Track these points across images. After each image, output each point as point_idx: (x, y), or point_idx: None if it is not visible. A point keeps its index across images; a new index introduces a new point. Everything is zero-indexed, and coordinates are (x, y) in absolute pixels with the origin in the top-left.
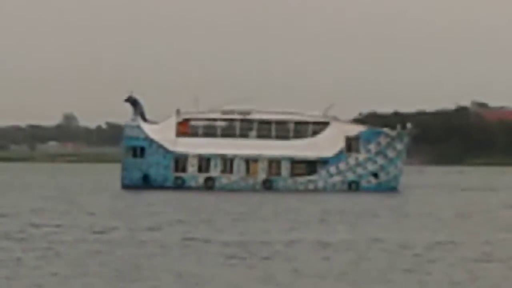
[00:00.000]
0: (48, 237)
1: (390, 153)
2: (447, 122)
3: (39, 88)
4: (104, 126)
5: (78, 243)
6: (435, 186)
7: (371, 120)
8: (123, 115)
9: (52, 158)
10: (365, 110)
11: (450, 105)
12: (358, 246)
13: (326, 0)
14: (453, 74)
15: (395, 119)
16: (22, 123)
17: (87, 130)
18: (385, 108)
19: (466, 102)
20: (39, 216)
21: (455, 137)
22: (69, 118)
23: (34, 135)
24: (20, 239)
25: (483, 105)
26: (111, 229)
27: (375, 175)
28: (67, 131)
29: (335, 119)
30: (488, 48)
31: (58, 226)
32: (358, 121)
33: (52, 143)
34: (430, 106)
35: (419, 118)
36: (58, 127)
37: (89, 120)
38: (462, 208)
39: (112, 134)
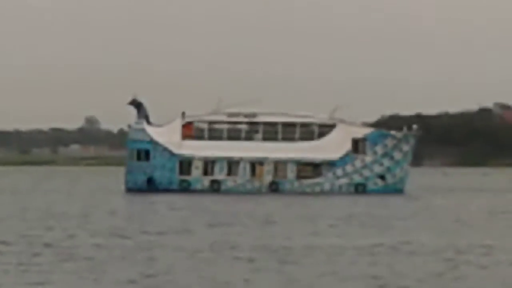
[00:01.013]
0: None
1: (397, 155)
2: (470, 124)
3: (61, 92)
4: (126, 129)
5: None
6: (460, 188)
7: (393, 122)
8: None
9: (74, 161)
10: (387, 112)
11: (473, 107)
12: (396, 250)
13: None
14: (476, 75)
15: (417, 121)
16: (45, 126)
17: (109, 133)
18: (408, 110)
19: (489, 104)
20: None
21: (478, 138)
22: (91, 121)
23: (57, 139)
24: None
25: (506, 107)
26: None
27: (382, 177)
28: (89, 134)
29: (342, 121)
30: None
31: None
32: (381, 123)
33: (75, 146)
34: (453, 108)
35: (442, 119)
36: (80, 130)
37: (111, 123)
38: (490, 210)
39: None
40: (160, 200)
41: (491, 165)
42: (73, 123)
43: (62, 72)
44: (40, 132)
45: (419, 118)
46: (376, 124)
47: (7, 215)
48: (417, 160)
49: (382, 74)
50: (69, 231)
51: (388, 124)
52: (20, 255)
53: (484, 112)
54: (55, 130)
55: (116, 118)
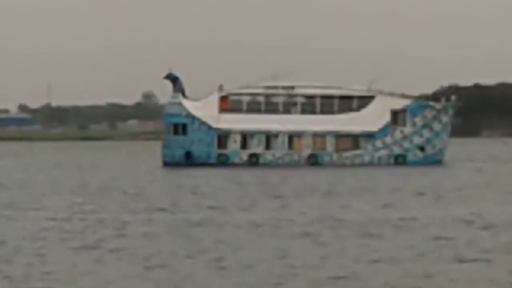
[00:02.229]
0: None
1: (436, 126)
2: None
3: (118, 67)
4: None
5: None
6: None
7: (452, 93)
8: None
9: (132, 136)
10: (446, 83)
11: None
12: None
13: None
14: None
15: (476, 92)
16: (102, 102)
17: None
18: (466, 81)
19: None
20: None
21: None
22: (148, 96)
23: (114, 114)
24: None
25: None
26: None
27: (421, 148)
28: (146, 109)
29: (380, 92)
30: None
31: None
32: (440, 94)
33: (132, 122)
34: (511, 77)
35: (500, 89)
36: (138, 105)
37: (168, 97)
38: None
39: None
40: (209, 174)
41: None
42: (130, 99)
43: (117, 48)
44: (98, 107)
45: (477, 88)
46: (434, 95)
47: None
48: (476, 130)
49: (439, 47)
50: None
51: (447, 94)
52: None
53: None
54: (112, 105)
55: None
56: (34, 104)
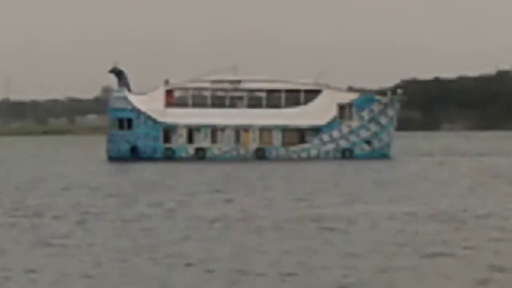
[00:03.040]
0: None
1: (383, 120)
2: (488, 87)
3: (77, 62)
4: None
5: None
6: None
7: (412, 86)
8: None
9: (92, 130)
10: (406, 76)
11: (491, 70)
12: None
13: None
14: (494, 38)
15: (436, 85)
16: (61, 96)
17: None
18: (426, 75)
19: (506, 67)
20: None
21: (497, 102)
22: (107, 90)
23: (73, 108)
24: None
25: None
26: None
27: (368, 142)
28: (106, 103)
29: (327, 86)
30: None
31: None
32: (400, 87)
33: (91, 116)
34: (471, 71)
35: (461, 83)
36: (97, 99)
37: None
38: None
39: None
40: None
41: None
42: (89, 93)
43: (77, 42)
44: (56, 102)
45: (437, 82)
46: (394, 89)
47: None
48: (436, 124)
49: (400, 39)
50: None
51: (407, 88)
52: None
53: (502, 75)
54: (71, 100)
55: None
56: None
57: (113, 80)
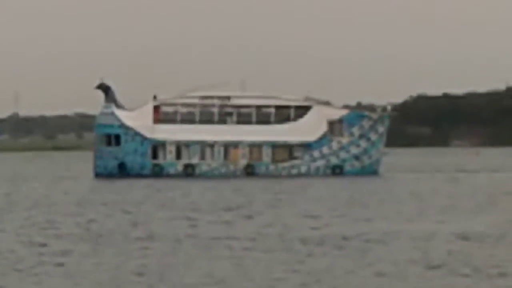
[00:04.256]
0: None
1: (373, 136)
2: (498, 103)
3: (85, 77)
4: None
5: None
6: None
7: (422, 102)
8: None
9: None
10: (415, 92)
11: (501, 86)
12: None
13: None
14: (503, 53)
15: (445, 101)
16: (70, 112)
17: None
18: (435, 90)
19: None
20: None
21: (507, 117)
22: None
23: (82, 124)
24: None
25: None
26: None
27: (358, 158)
28: None
29: (317, 102)
30: None
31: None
32: (408, 103)
33: None
34: (481, 87)
35: (470, 99)
36: None
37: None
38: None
39: None
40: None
41: None
42: (97, 108)
43: (83, 58)
44: (65, 117)
45: (446, 98)
46: (403, 105)
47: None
48: (445, 140)
49: (408, 55)
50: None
51: (416, 104)
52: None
53: None
54: (80, 115)
55: (139, 102)
56: (1, 114)
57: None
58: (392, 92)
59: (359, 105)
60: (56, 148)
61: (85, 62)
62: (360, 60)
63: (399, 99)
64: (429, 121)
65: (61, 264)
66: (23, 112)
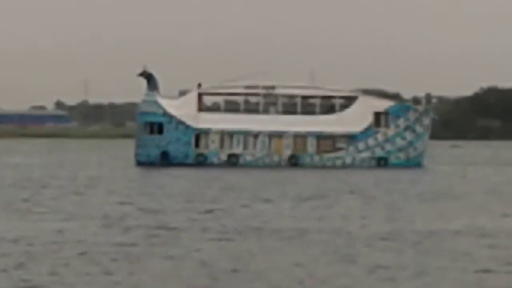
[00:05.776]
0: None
1: (418, 128)
2: None
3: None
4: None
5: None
6: None
7: (492, 94)
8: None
9: None
10: (485, 85)
11: None
12: None
13: None
14: None
15: None
16: (139, 99)
17: None
18: (506, 82)
19: None
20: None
21: None
22: (185, 93)
23: None
24: None
25: None
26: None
27: (403, 150)
28: None
29: (363, 93)
30: None
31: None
32: (479, 95)
33: None
34: None
35: None
36: None
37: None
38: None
39: None
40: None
41: None
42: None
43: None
44: (134, 105)
45: None
46: (474, 97)
47: None
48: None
49: (479, 48)
50: None
51: (486, 97)
52: None
53: None
54: None
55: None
56: (71, 101)
57: (189, 85)
58: (462, 85)
59: (428, 97)
60: (125, 136)
61: (150, 50)
62: (430, 54)
63: (469, 91)
64: (499, 114)
65: None
66: (93, 100)
